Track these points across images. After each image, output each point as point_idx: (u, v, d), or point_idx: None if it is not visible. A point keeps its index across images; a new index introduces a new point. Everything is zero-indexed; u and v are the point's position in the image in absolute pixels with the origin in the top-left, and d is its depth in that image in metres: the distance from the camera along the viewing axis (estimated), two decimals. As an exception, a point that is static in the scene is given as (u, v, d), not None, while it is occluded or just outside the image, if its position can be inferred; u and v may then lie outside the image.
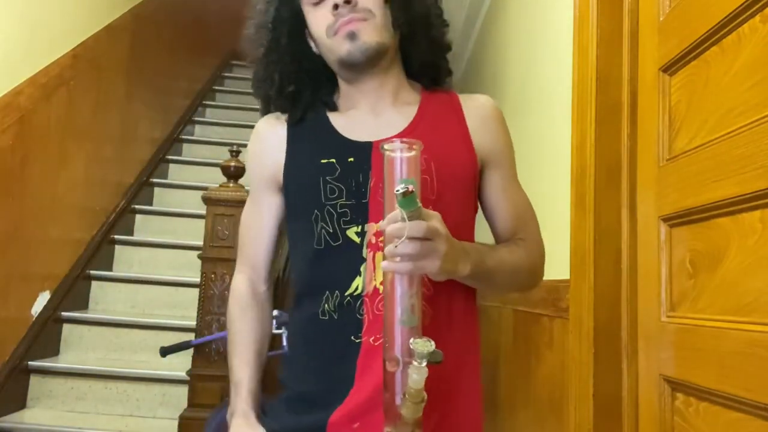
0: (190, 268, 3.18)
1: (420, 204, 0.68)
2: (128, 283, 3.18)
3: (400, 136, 0.88)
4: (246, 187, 2.48)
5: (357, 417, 0.81)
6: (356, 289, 0.84)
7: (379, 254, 0.83)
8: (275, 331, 2.12)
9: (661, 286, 1.05)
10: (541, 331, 1.63)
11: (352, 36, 0.85)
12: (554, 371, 1.49)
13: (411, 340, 0.68)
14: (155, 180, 3.99)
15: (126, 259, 3.41)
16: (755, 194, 0.80)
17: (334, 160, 0.87)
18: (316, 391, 0.86)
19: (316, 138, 0.92)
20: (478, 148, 0.91)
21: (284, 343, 2.01)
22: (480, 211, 0.97)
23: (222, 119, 4.91)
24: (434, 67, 0.97)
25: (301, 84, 0.94)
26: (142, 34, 3.69)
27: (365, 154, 0.87)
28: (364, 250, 0.85)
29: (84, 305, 3.10)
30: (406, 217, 0.67)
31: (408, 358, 0.69)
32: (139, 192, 3.77)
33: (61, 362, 2.71)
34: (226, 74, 5.73)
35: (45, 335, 2.72)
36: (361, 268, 0.84)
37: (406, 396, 0.68)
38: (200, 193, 2.57)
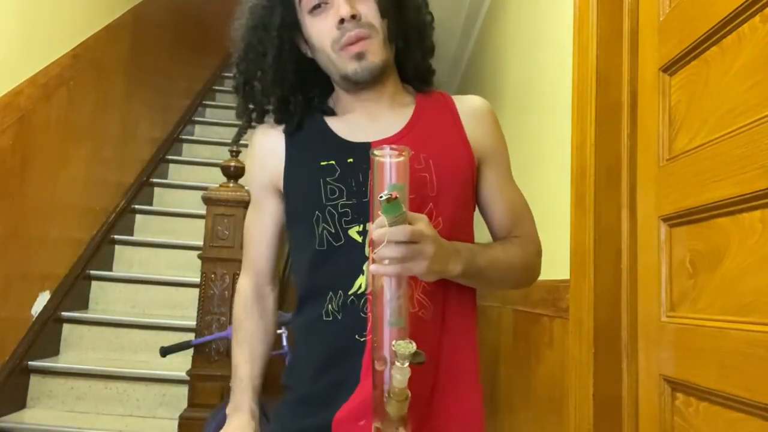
0: (190, 268, 3.18)
1: (405, 209, 0.70)
2: (128, 283, 3.18)
3: (397, 136, 0.89)
4: (246, 187, 2.48)
5: (362, 414, 0.81)
6: (359, 287, 0.85)
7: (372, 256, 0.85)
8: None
9: (661, 286, 1.05)
10: (541, 331, 1.63)
11: (360, 56, 0.86)
12: (554, 371, 1.49)
13: (393, 342, 0.70)
14: (155, 180, 3.99)
15: (126, 259, 3.41)
16: (755, 194, 0.80)
17: (333, 162, 0.88)
18: (322, 391, 0.87)
19: (314, 142, 0.93)
20: (474, 147, 0.92)
21: (284, 343, 2.01)
22: (477, 210, 0.99)
23: (222, 119, 4.90)
24: (426, 71, 0.98)
25: (296, 93, 0.95)
26: (142, 34, 3.69)
27: (364, 154, 0.86)
28: (366, 249, 0.85)
29: (84, 305, 3.10)
30: (387, 222, 0.69)
31: (394, 358, 0.71)
32: (139, 192, 3.77)
33: (61, 362, 2.71)
34: (226, 74, 5.72)
35: (45, 335, 2.72)
36: (364, 267, 0.85)
37: (391, 395, 0.70)
38: (200, 193, 2.57)
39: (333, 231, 0.87)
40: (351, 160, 0.88)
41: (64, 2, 2.79)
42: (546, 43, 1.82)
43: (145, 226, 3.70)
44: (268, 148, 0.97)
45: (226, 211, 2.43)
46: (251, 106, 0.97)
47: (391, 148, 0.73)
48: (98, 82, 3.16)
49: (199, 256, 2.45)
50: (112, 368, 2.65)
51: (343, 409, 0.83)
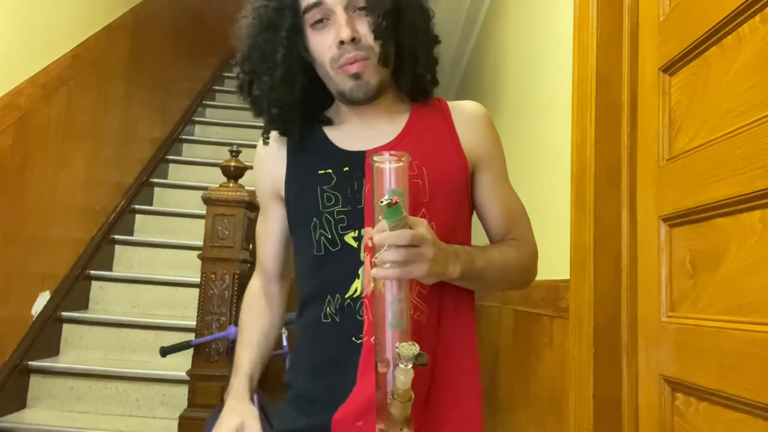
0: (190, 268, 3.19)
1: (405, 213, 0.71)
2: (128, 283, 3.18)
3: (391, 144, 0.92)
4: (246, 187, 2.48)
5: (360, 415, 0.83)
6: (355, 291, 0.88)
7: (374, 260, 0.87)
8: (276, 331, 2.12)
9: (661, 286, 1.05)
10: (541, 331, 1.63)
11: (356, 76, 0.88)
12: (554, 371, 1.49)
13: (396, 344, 0.72)
14: (155, 180, 4.00)
15: (126, 259, 3.41)
16: (755, 194, 0.80)
17: (330, 171, 0.91)
18: (320, 391, 0.89)
19: (313, 151, 0.96)
20: (468, 152, 0.94)
21: (284, 343, 2.01)
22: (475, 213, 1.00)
23: (222, 119, 4.91)
24: (423, 85, 0.99)
25: (301, 96, 0.95)
26: (142, 34, 3.70)
27: (359, 163, 0.91)
28: (362, 254, 0.88)
29: (84, 305, 3.10)
30: (388, 227, 0.71)
31: (398, 359, 0.72)
32: (139, 192, 3.78)
33: (61, 362, 2.71)
34: (226, 74, 5.73)
35: (45, 335, 2.72)
36: (360, 271, 0.87)
37: (394, 396, 0.72)
38: (200, 193, 2.57)
39: (330, 237, 0.89)
40: (347, 168, 0.91)
41: (64, 2, 2.79)
42: (546, 43, 1.82)
43: (145, 226, 3.70)
44: (271, 157, 1.00)
45: (226, 211, 2.43)
46: (259, 108, 0.97)
47: (390, 154, 0.75)
48: (98, 82, 3.16)
49: (199, 256, 2.45)
50: (112, 368, 2.65)
51: (341, 410, 0.85)
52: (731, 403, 0.84)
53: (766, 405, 0.76)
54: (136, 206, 3.70)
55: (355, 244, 0.88)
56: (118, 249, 3.42)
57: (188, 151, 4.54)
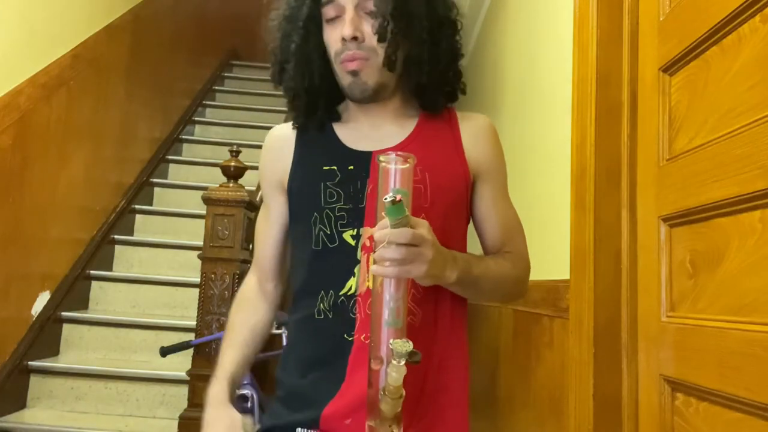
0: (190, 268, 3.19)
1: (408, 213, 0.72)
2: (128, 283, 3.18)
3: (397, 147, 0.93)
4: (246, 187, 2.49)
5: (349, 413, 0.85)
6: (350, 289, 0.89)
7: (372, 257, 0.87)
8: (275, 331, 2.13)
9: (661, 286, 1.05)
10: (541, 331, 1.63)
11: (354, 74, 0.90)
12: (554, 371, 1.49)
13: (390, 340, 0.73)
14: (155, 180, 4.00)
15: (126, 259, 3.41)
16: (755, 194, 0.80)
17: (335, 167, 0.93)
18: (309, 387, 0.90)
19: (320, 146, 0.98)
20: (471, 162, 0.96)
21: (284, 343, 2.02)
22: (470, 223, 1.01)
23: (222, 119, 4.91)
24: (432, 95, 0.98)
25: (321, 86, 0.96)
26: (142, 34, 3.70)
27: (364, 162, 0.92)
28: (359, 253, 0.89)
29: (84, 305, 3.10)
30: (389, 224, 0.72)
31: (391, 356, 0.73)
32: (139, 192, 3.78)
33: (61, 362, 2.71)
34: (226, 74, 5.74)
35: (45, 335, 2.73)
36: (355, 270, 0.88)
37: (385, 393, 0.72)
38: (200, 193, 2.57)
39: (329, 233, 0.90)
40: (352, 167, 0.92)
41: (65, 2, 2.79)
42: (546, 44, 1.82)
43: (145, 226, 3.70)
44: (279, 147, 1.01)
45: (226, 211, 2.43)
46: (287, 94, 0.99)
47: (397, 155, 0.76)
48: (98, 82, 3.17)
49: (199, 256, 2.45)
50: (112, 368, 2.65)
51: (330, 406, 0.86)
52: (731, 403, 0.84)
53: (766, 405, 0.76)
54: (136, 206, 3.70)
55: (353, 242, 0.89)
56: (118, 249, 3.42)
57: (188, 151, 4.54)
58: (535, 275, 1.74)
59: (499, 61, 2.70)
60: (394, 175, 0.75)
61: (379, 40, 0.89)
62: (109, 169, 3.41)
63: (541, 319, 1.62)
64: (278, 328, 2.03)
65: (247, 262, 2.44)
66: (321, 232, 0.90)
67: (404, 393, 0.73)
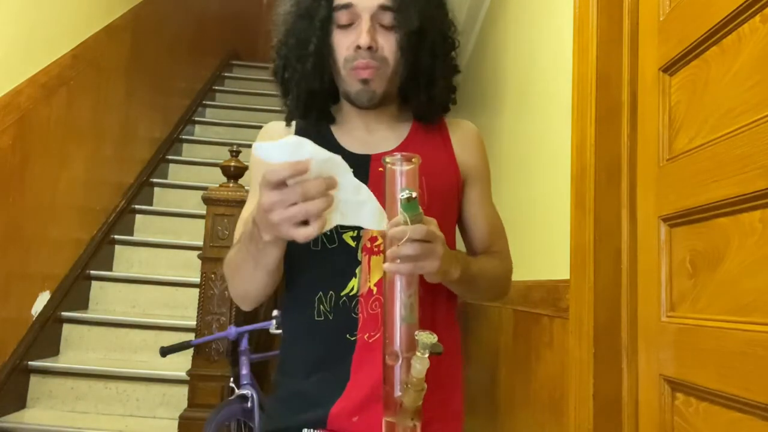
0: (190, 268, 3.19)
1: (421, 210, 0.74)
2: (128, 283, 3.18)
3: (394, 151, 0.94)
4: (246, 187, 2.48)
5: (356, 411, 0.86)
6: (352, 289, 0.90)
7: (374, 258, 0.90)
8: (274, 331, 2.13)
9: (661, 286, 1.05)
10: (541, 331, 1.63)
11: (365, 82, 0.92)
12: (554, 371, 1.49)
13: (416, 332, 0.73)
14: (155, 180, 4.00)
15: (126, 259, 3.41)
16: (755, 194, 0.80)
17: None
18: (313, 388, 0.91)
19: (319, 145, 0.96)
20: (461, 167, 1.00)
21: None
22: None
23: (222, 119, 4.91)
24: (432, 106, 1.01)
25: (323, 91, 0.98)
26: (142, 34, 3.70)
27: (364, 165, 0.93)
28: (359, 254, 0.90)
29: (84, 305, 3.10)
30: (408, 220, 0.73)
31: (407, 353, 0.74)
32: (139, 192, 3.78)
33: (61, 362, 2.71)
34: (226, 74, 5.73)
35: (45, 335, 2.73)
36: (357, 270, 0.89)
37: (409, 385, 0.73)
38: (200, 193, 2.57)
39: (328, 234, 0.90)
40: (351, 169, 0.92)
41: (64, 2, 2.79)
42: (546, 43, 1.82)
43: (145, 226, 3.70)
44: (278, 139, 1.00)
45: (226, 211, 2.43)
46: (286, 93, 1.00)
47: (402, 155, 0.77)
48: (98, 82, 3.17)
49: (199, 256, 2.45)
50: (112, 368, 2.65)
51: (337, 405, 0.87)
52: (731, 403, 0.84)
53: (766, 405, 0.76)
54: (136, 206, 3.70)
55: (353, 243, 0.90)
56: (118, 249, 3.42)
57: (188, 151, 4.53)
58: (535, 275, 1.75)
59: (499, 61, 2.70)
60: (399, 176, 0.76)
61: (394, 53, 0.92)
62: (109, 169, 3.41)
63: (541, 319, 1.62)
64: (278, 328, 2.03)
65: (247, 262, 2.43)
66: (319, 238, 0.89)
67: (426, 386, 0.73)
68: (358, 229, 0.89)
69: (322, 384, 0.90)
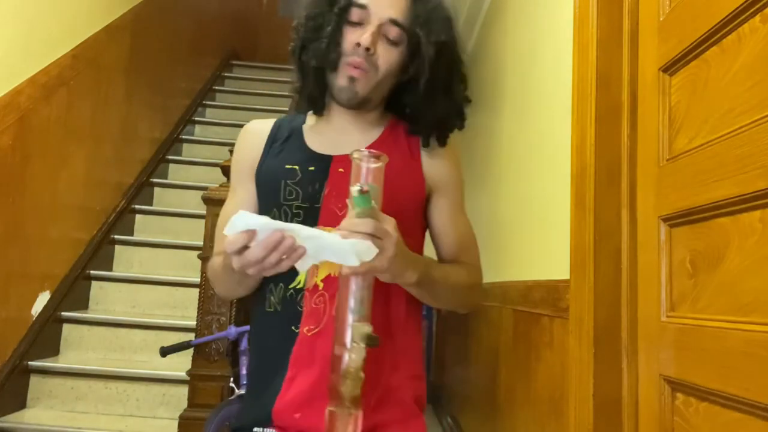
0: (190, 268, 3.19)
1: (374, 205, 0.75)
2: (128, 283, 3.18)
3: None
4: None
5: (298, 407, 0.90)
6: (299, 283, 0.94)
7: None
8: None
9: (661, 286, 1.05)
10: (541, 331, 1.63)
11: (351, 80, 0.96)
12: (554, 371, 1.49)
13: (350, 323, 0.77)
14: (155, 180, 4.00)
15: (126, 259, 3.41)
16: (755, 194, 0.80)
17: (297, 167, 0.99)
18: (260, 381, 0.96)
19: (288, 145, 1.04)
20: (428, 177, 1.02)
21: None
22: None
23: (222, 119, 4.91)
24: (420, 131, 1.04)
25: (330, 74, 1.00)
26: (142, 34, 3.69)
27: (325, 165, 0.98)
28: None
29: (84, 305, 3.10)
30: (354, 213, 0.74)
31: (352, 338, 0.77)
32: (139, 192, 3.78)
33: (61, 362, 2.71)
34: (226, 74, 5.73)
35: (45, 335, 2.72)
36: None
37: (346, 375, 0.75)
38: (200, 193, 2.57)
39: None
40: (312, 168, 0.98)
41: (64, 2, 2.79)
42: (546, 43, 1.82)
43: (145, 226, 3.70)
44: (253, 138, 1.07)
45: (226, 211, 2.42)
46: (302, 74, 1.03)
47: (370, 153, 0.79)
48: (98, 82, 3.17)
49: (199, 256, 2.45)
50: (112, 368, 2.65)
51: (278, 402, 0.91)
52: (731, 403, 0.84)
53: (766, 405, 0.76)
54: (136, 206, 3.70)
55: None
56: (118, 249, 3.42)
57: (188, 151, 4.53)
58: (535, 275, 1.75)
59: (499, 61, 2.70)
60: (366, 172, 0.78)
61: (388, 64, 0.96)
62: (109, 169, 3.41)
63: (541, 319, 1.62)
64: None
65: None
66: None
67: (363, 375, 0.75)
68: (313, 225, 0.89)
69: (266, 376, 0.94)
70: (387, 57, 0.96)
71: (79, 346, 2.88)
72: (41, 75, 2.59)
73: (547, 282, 1.56)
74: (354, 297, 0.78)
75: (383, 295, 0.94)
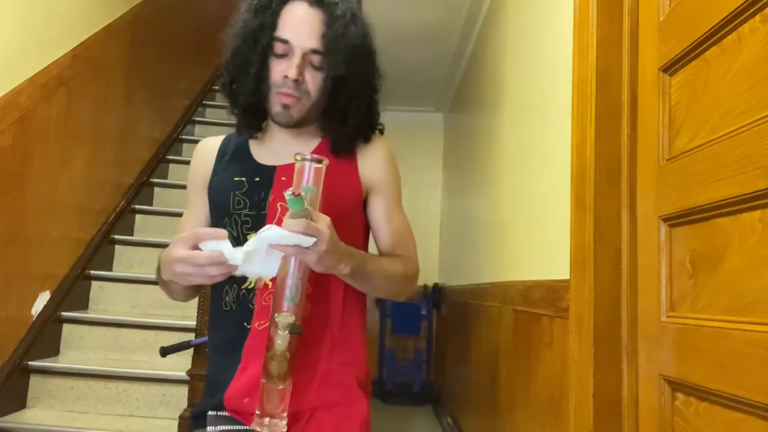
0: (190, 268, 3.17)
1: (308, 207, 0.84)
2: (128, 283, 3.18)
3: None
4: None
5: (247, 393, 1.00)
6: (250, 283, 1.06)
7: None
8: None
9: (661, 286, 1.05)
10: (541, 331, 1.63)
11: (285, 107, 1.05)
12: (554, 371, 1.49)
13: (275, 314, 0.89)
14: (155, 180, 3.99)
15: (126, 259, 3.41)
16: (755, 194, 0.80)
17: (244, 179, 1.09)
18: (217, 373, 1.07)
19: (236, 159, 1.15)
20: (365, 179, 1.13)
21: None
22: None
23: (222, 119, 4.90)
24: (346, 139, 1.14)
25: (261, 104, 1.11)
26: (142, 34, 3.69)
27: (269, 175, 1.09)
28: None
29: (84, 305, 3.10)
30: (289, 215, 0.84)
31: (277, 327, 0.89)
32: (139, 192, 3.77)
33: (61, 362, 2.71)
34: (226, 74, 5.72)
35: (45, 335, 2.72)
36: None
37: (272, 356, 0.89)
38: (200, 193, 2.56)
39: (235, 235, 1.06)
40: (258, 179, 1.09)
41: (64, 2, 2.79)
42: (546, 43, 1.82)
43: (145, 226, 3.70)
44: (205, 155, 1.19)
45: (226, 211, 2.42)
46: (234, 105, 1.14)
47: (312, 156, 0.88)
48: (98, 82, 3.16)
49: (199, 256, 2.44)
50: (112, 368, 2.65)
51: (230, 389, 1.02)
52: (731, 403, 0.84)
53: (766, 405, 0.76)
54: (136, 206, 3.69)
55: None
56: (118, 249, 3.42)
57: (188, 151, 4.53)
58: (535, 275, 1.75)
59: (499, 61, 2.70)
60: (307, 173, 0.88)
61: (317, 89, 1.05)
62: (109, 169, 3.41)
63: (541, 319, 1.62)
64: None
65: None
66: (229, 235, 0.97)
67: (288, 356, 0.90)
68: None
69: (222, 368, 1.05)
70: (315, 82, 1.05)
71: (79, 346, 2.88)
72: (41, 75, 2.59)
73: (547, 282, 1.56)
74: (289, 287, 0.89)
75: (324, 287, 1.05)
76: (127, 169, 3.66)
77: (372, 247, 1.14)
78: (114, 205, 3.45)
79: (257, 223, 1.05)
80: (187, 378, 2.36)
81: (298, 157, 0.88)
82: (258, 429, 0.90)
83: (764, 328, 0.77)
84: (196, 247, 0.87)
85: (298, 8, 1.05)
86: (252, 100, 1.09)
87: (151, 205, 3.88)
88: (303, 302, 0.91)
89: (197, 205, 1.17)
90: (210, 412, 1.04)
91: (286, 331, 0.88)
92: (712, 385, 0.88)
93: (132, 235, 3.62)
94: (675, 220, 1.02)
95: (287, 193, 0.82)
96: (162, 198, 3.98)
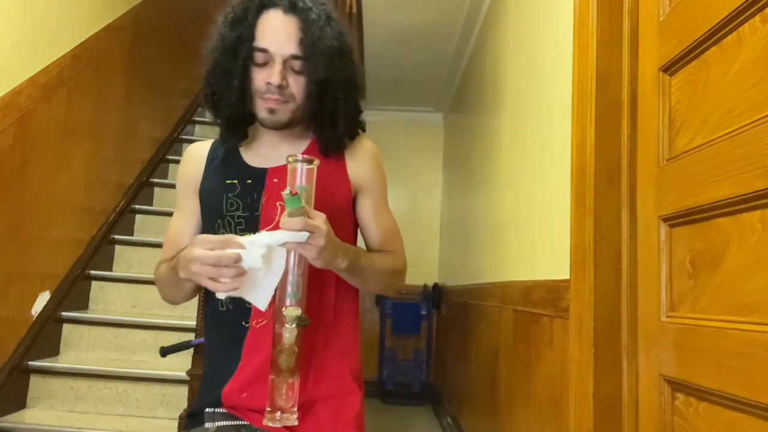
0: (190, 268, 3.17)
1: (304, 205, 0.87)
2: (128, 283, 3.18)
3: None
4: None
5: (245, 388, 1.03)
6: None
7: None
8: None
9: (661, 286, 1.05)
10: (541, 331, 1.63)
11: (271, 111, 1.08)
12: (554, 371, 1.49)
13: (283, 308, 0.92)
14: (155, 180, 3.99)
15: (126, 259, 3.41)
16: (755, 194, 0.80)
17: (236, 181, 1.12)
18: (215, 371, 1.09)
19: (226, 162, 1.17)
20: (353, 179, 1.16)
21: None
22: None
23: (222, 119, 4.90)
24: (335, 140, 1.16)
25: (245, 117, 1.15)
26: (142, 34, 3.69)
27: (261, 177, 1.11)
28: None
29: (84, 305, 3.10)
30: (287, 213, 0.87)
31: (285, 320, 0.92)
32: (139, 192, 3.77)
33: (61, 362, 2.71)
34: (226, 74, 5.72)
35: (45, 335, 2.72)
36: None
37: (282, 350, 0.91)
38: (200, 193, 2.56)
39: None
40: (250, 181, 1.11)
41: (65, 2, 2.79)
42: (546, 43, 1.82)
43: (145, 226, 3.70)
44: (194, 159, 1.21)
45: (226, 211, 2.42)
46: (217, 116, 1.17)
47: (304, 157, 0.91)
48: (98, 82, 3.16)
49: (199, 256, 2.44)
50: (112, 368, 2.65)
51: (229, 385, 1.04)
52: (731, 403, 0.84)
53: (766, 405, 0.76)
54: (136, 206, 3.69)
55: None
56: (118, 249, 3.42)
57: (188, 151, 4.52)
58: (535, 275, 1.75)
59: (499, 61, 2.70)
60: (300, 174, 0.91)
61: (301, 92, 1.07)
62: (109, 169, 3.41)
63: (541, 319, 1.62)
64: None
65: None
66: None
67: (297, 349, 0.92)
68: (254, 231, 1.01)
69: (220, 366, 1.07)
70: (299, 85, 1.07)
71: (79, 346, 2.88)
72: (41, 75, 2.59)
73: (547, 282, 1.56)
74: (290, 283, 0.92)
75: (317, 282, 1.07)
76: (127, 169, 3.66)
77: (360, 245, 1.17)
78: (114, 205, 3.45)
79: (251, 224, 1.08)
80: (187, 378, 2.35)
81: (291, 159, 0.92)
82: (270, 424, 0.92)
83: (764, 328, 0.77)
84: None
85: (273, 16, 1.07)
86: (236, 110, 1.12)
87: (151, 205, 3.88)
88: (304, 298, 0.94)
89: (188, 207, 1.21)
90: (207, 409, 1.07)
91: (294, 324, 0.91)
92: (712, 385, 0.88)
93: (132, 235, 3.62)
94: (675, 220, 1.02)
95: (285, 193, 0.84)
96: (162, 198, 3.98)
